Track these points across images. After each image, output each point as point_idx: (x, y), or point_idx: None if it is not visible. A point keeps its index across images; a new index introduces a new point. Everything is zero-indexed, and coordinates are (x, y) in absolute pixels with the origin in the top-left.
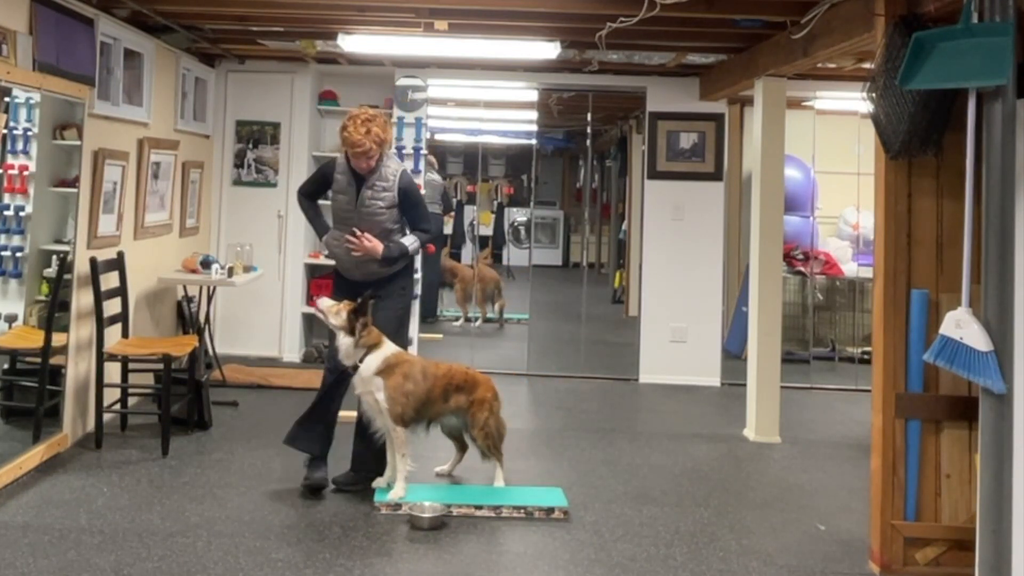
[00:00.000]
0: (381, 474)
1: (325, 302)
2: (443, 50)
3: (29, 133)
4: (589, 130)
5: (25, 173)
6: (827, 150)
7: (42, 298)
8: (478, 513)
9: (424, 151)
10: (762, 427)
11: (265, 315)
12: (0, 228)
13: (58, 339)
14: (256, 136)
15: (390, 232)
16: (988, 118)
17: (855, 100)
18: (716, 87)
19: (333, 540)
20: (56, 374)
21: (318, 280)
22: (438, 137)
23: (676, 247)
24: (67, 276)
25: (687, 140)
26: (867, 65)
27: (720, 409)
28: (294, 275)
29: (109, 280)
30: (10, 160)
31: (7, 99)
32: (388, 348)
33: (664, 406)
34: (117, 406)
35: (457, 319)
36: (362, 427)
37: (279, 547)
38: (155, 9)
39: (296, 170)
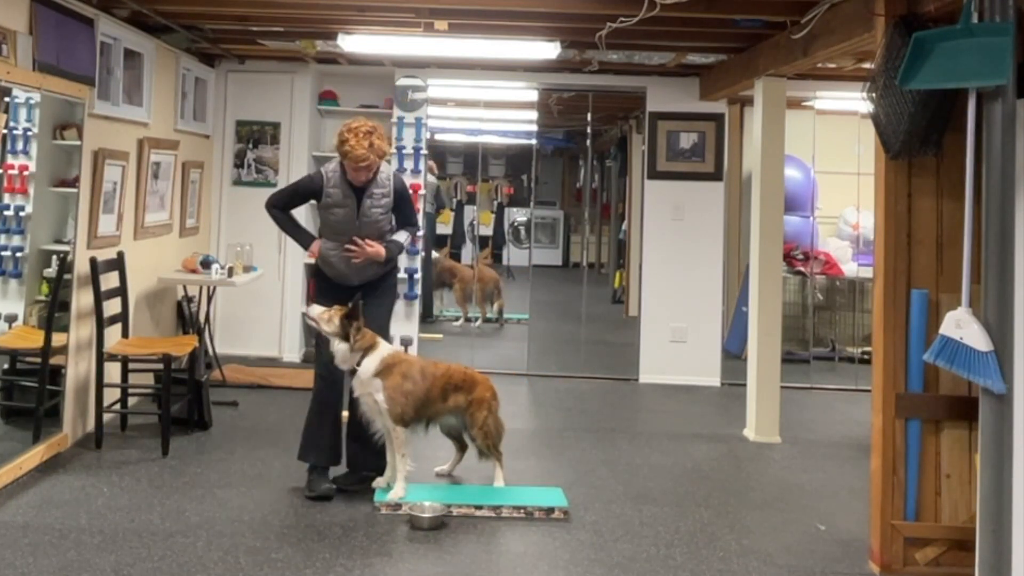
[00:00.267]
0: (380, 472)
1: (315, 309)
2: (443, 50)
3: (29, 133)
4: (589, 130)
5: (25, 173)
6: (827, 150)
7: (42, 298)
8: (478, 513)
9: (424, 151)
10: (762, 427)
11: (265, 315)
12: (0, 228)
13: (58, 339)
14: (256, 136)
15: (386, 233)
16: (988, 118)
17: (855, 100)
18: (716, 87)
19: (333, 540)
20: (56, 374)
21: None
22: (438, 137)
23: (676, 247)
24: (67, 276)
25: (687, 140)
26: (867, 65)
27: (720, 409)
28: (294, 275)
29: (109, 280)
30: (10, 160)
31: (7, 99)
32: (384, 349)
33: (664, 406)
34: (117, 406)
35: (457, 319)
36: (357, 427)
37: (279, 547)
38: (155, 9)
39: (296, 170)
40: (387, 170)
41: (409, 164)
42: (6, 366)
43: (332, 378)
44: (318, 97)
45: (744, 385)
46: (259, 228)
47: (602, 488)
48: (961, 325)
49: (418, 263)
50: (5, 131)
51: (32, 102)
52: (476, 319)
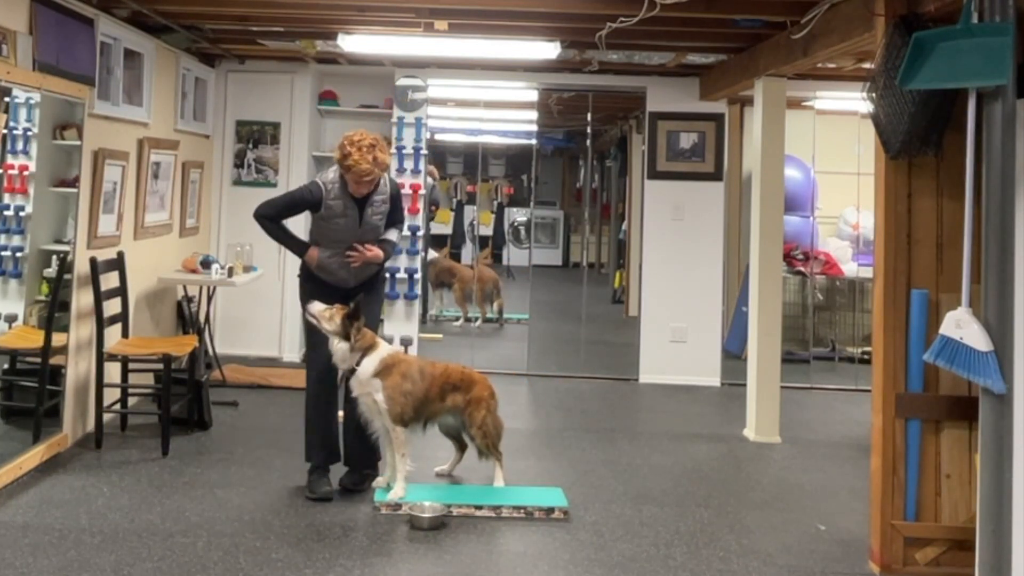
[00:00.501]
0: (377, 469)
1: (317, 307)
2: (443, 50)
3: (29, 133)
4: (589, 130)
5: (25, 173)
6: (827, 150)
7: (42, 298)
8: (478, 513)
9: (424, 151)
10: (762, 427)
11: (265, 315)
12: (0, 228)
13: (58, 339)
14: (256, 136)
15: (380, 234)
16: (988, 118)
17: (855, 100)
18: (716, 87)
19: (333, 540)
20: (56, 374)
21: None
22: (438, 137)
23: (676, 247)
24: (67, 276)
25: (687, 140)
26: (867, 65)
27: (720, 409)
28: (294, 275)
29: (109, 280)
30: (10, 160)
31: (7, 99)
32: (383, 349)
33: (664, 406)
34: (117, 406)
35: (457, 319)
36: (353, 425)
37: (279, 547)
38: (155, 9)
39: (296, 170)
40: (384, 175)
41: (409, 164)
42: (6, 366)
43: (327, 377)
44: (318, 97)
45: (744, 385)
46: (259, 228)
47: (602, 488)
48: (961, 325)
49: (418, 263)
50: (5, 131)
51: (32, 102)
52: (476, 319)
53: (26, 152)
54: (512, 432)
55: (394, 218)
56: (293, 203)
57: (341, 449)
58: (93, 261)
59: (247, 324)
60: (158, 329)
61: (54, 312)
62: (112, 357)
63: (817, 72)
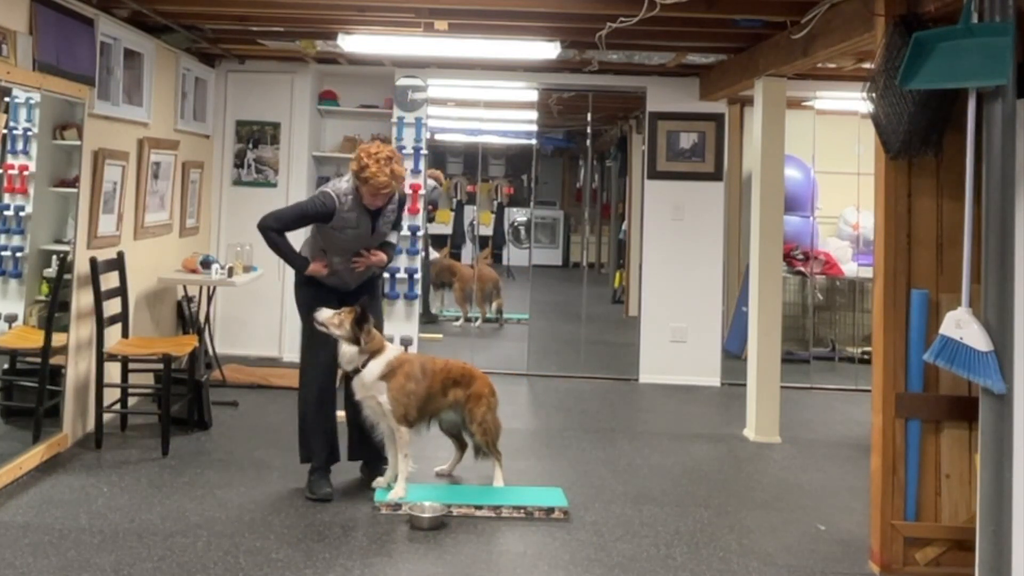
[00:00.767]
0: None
1: (324, 313)
2: (443, 50)
3: (29, 133)
4: (589, 130)
5: (25, 173)
6: (827, 150)
7: (42, 298)
8: (478, 513)
9: (424, 151)
10: (762, 427)
11: (265, 315)
12: (0, 228)
13: (58, 339)
14: (256, 136)
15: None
16: (988, 118)
17: (855, 100)
18: (716, 87)
19: (333, 540)
20: (56, 374)
21: None
22: (438, 137)
23: (676, 247)
24: (67, 276)
25: (687, 140)
26: (867, 65)
27: (720, 409)
28: (294, 275)
29: (109, 280)
30: (10, 160)
31: (7, 99)
32: (390, 351)
33: (664, 406)
34: (117, 406)
35: (457, 319)
36: (358, 425)
37: (279, 547)
38: (155, 9)
39: (296, 170)
40: None
41: (409, 164)
42: (6, 366)
43: (328, 378)
44: (318, 97)
45: (744, 385)
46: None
47: (602, 488)
48: (961, 325)
49: (418, 263)
50: (5, 131)
51: (32, 102)
52: (476, 319)
53: (26, 152)
54: (512, 432)
55: (396, 222)
56: (303, 216)
57: (341, 448)
58: (93, 261)
59: (247, 324)
60: (158, 329)
61: (54, 312)
62: (112, 357)
63: (817, 72)
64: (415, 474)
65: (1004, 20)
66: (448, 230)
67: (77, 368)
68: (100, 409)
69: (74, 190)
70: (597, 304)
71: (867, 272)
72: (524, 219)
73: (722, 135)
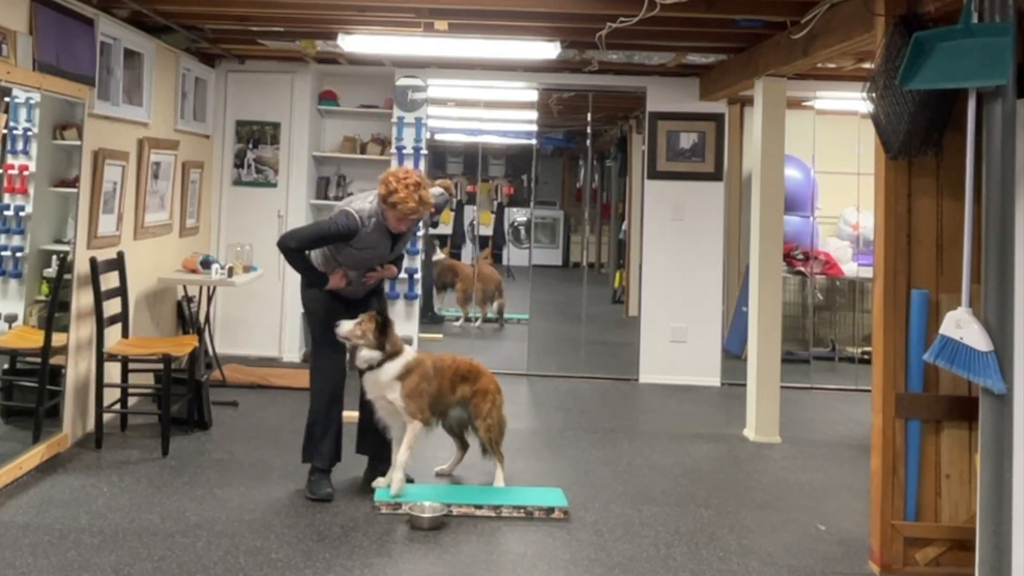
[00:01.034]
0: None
1: (346, 327)
2: (443, 50)
3: (29, 133)
4: (589, 130)
5: (25, 173)
6: (827, 150)
7: (42, 298)
8: (478, 513)
9: (424, 151)
10: (762, 427)
11: (265, 315)
12: (0, 228)
13: (58, 339)
14: (256, 136)
15: None
16: (988, 118)
17: (855, 100)
18: (716, 87)
19: (333, 540)
20: (56, 374)
21: None
22: (438, 137)
23: (676, 247)
24: (67, 276)
25: (687, 140)
26: (867, 65)
27: (720, 409)
28: (294, 275)
29: (109, 280)
30: (10, 160)
31: (7, 99)
32: (408, 353)
33: (664, 406)
34: (117, 406)
35: (457, 319)
36: (370, 426)
37: (279, 547)
38: (155, 9)
39: (296, 170)
40: None
41: (409, 164)
42: (6, 366)
43: (339, 382)
44: (318, 97)
45: (744, 385)
46: (259, 228)
47: (602, 488)
48: (961, 325)
49: (418, 263)
50: (5, 131)
51: (32, 102)
52: (476, 319)
53: (26, 152)
54: (512, 432)
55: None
56: (324, 237)
57: (347, 446)
58: (93, 261)
59: (247, 324)
60: (158, 329)
61: (54, 312)
62: (112, 357)
63: (817, 72)
64: (415, 474)
65: (1004, 20)
66: (448, 230)
67: (77, 368)
68: (100, 409)
69: (74, 190)
70: (597, 304)
71: (867, 272)
72: (524, 219)
73: (722, 135)
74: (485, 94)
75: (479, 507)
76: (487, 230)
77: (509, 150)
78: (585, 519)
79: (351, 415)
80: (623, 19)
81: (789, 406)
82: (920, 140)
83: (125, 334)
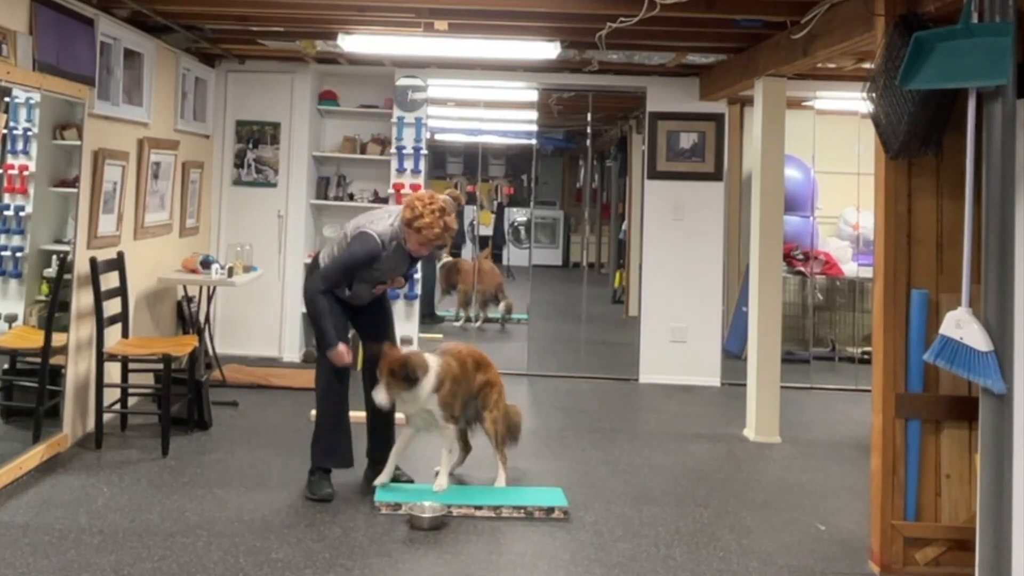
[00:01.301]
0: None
1: (381, 396)
2: (443, 50)
3: (29, 133)
4: (589, 130)
5: (25, 173)
6: (827, 150)
7: (42, 298)
8: (478, 513)
9: (424, 151)
10: (762, 427)
11: (265, 315)
12: (0, 228)
13: (58, 339)
14: (256, 136)
15: None
16: (988, 118)
17: (855, 100)
18: (716, 87)
19: (333, 540)
20: (56, 374)
21: None
22: (438, 137)
23: (676, 247)
24: (67, 276)
25: (687, 140)
26: (867, 65)
27: (720, 409)
28: (294, 275)
29: (109, 280)
30: (10, 160)
31: (7, 99)
32: (433, 363)
33: (664, 406)
34: (117, 406)
35: (457, 319)
36: (375, 423)
37: (279, 547)
38: (155, 9)
39: (296, 170)
40: None
41: (409, 164)
42: (6, 366)
43: (341, 383)
44: (318, 97)
45: (744, 385)
46: (259, 228)
47: (602, 488)
48: (961, 325)
49: (418, 264)
50: (5, 131)
51: (32, 102)
52: (477, 318)
53: (26, 152)
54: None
55: None
56: (350, 269)
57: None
58: (93, 261)
59: (247, 324)
60: (158, 329)
61: (54, 312)
62: (112, 357)
63: (817, 72)
64: (414, 474)
65: (1004, 20)
66: None
67: (77, 368)
68: (100, 409)
69: (74, 190)
70: (597, 304)
71: (867, 272)
72: (524, 219)
73: (722, 135)
74: (485, 94)
75: (479, 507)
76: (487, 230)
77: (509, 150)
78: (585, 519)
79: (358, 416)
80: (623, 19)
81: (789, 406)
82: (920, 140)
83: (125, 334)
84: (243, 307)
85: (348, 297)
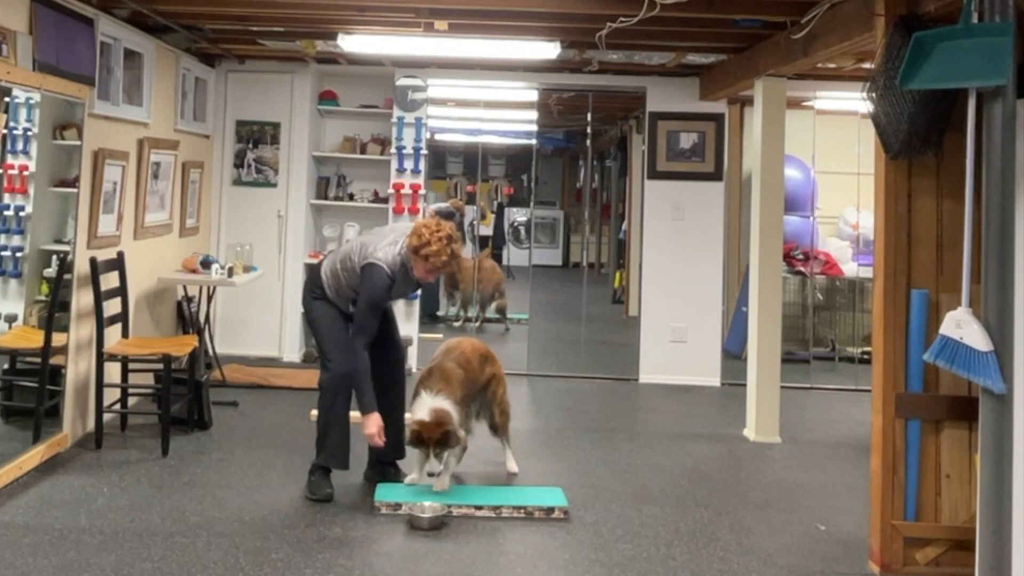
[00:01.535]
0: (398, 457)
1: (433, 466)
2: (443, 50)
3: (29, 133)
4: (589, 130)
5: (25, 173)
6: (827, 150)
7: (42, 298)
8: (478, 513)
9: (424, 151)
10: (762, 427)
11: (265, 315)
12: (0, 228)
13: (58, 339)
14: (256, 136)
15: None
16: (988, 118)
17: (855, 100)
18: (716, 87)
19: (333, 540)
20: (56, 374)
21: None
22: (438, 137)
23: (676, 247)
24: (67, 276)
25: (687, 140)
26: (867, 65)
27: (720, 409)
28: (294, 275)
29: (109, 280)
30: (10, 160)
31: (7, 99)
32: (453, 409)
33: (664, 406)
34: (117, 406)
35: (457, 319)
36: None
37: (279, 547)
38: (155, 9)
39: (296, 170)
40: None
41: (409, 164)
42: (6, 366)
43: (345, 380)
44: (318, 97)
45: (744, 385)
46: (259, 228)
47: (602, 488)
48: (961, 325)
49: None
50: (5, 131)
51: (32, 102)
52: (477, 318)
53: (26, 152)
54: (512, 432)
55: None
56: (376, 308)
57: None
58: (93, 261)
59: (247, 324)
60: (158, 329)
61: (54, 312)
62: (112, 357)
63: (817, 72)
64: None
65: (1004, 20)
66: None
67: (77, 368)
68: (100, 409)
69: (74, 190)
70: (597, 304)
71: (867, 272)
72: (524, 219)
73: (722, 135)
74: (485, 94)
75: (479, 507)
76: (487, 230)
77: (509, 150)
78: (585, 519)
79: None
80: (623, 19)
81: (789, 406)
82: (920, 140)
83: (125, 334)
84: (243, 307)
85: (351, 310)
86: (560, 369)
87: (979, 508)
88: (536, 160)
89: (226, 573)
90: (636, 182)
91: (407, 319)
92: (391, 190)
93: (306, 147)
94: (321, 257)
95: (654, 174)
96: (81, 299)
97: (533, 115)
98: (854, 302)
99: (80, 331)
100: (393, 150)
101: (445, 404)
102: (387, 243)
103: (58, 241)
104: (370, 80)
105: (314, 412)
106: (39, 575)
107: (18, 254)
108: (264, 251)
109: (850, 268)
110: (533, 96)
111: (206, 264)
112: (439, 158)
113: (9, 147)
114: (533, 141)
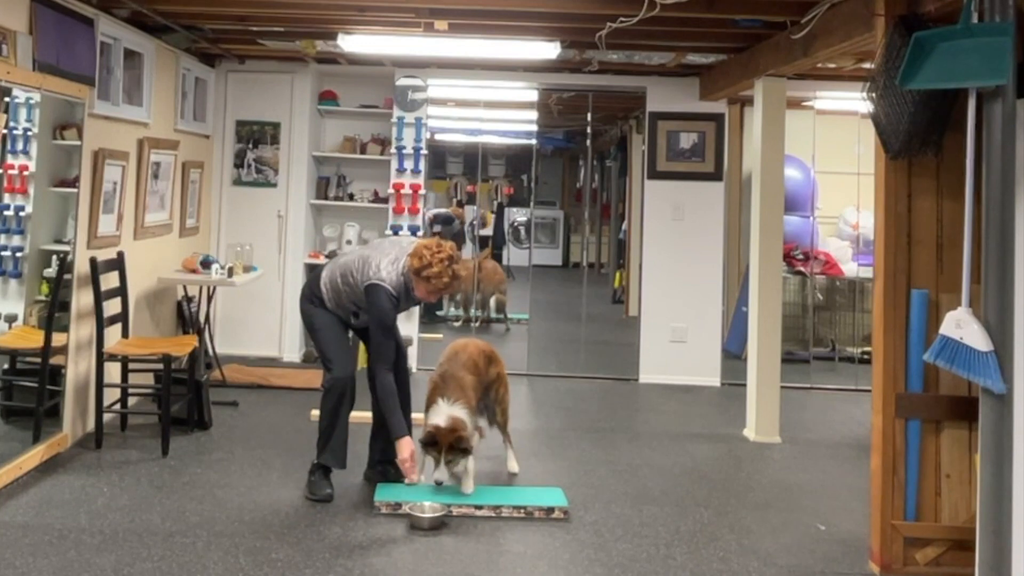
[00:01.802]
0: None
1: (443, 474)
2: (443, 50)
3: (29, 133)
4: (589, 130)
5: (25, 173)
6: (827, 150)
7: (42, 298)
8: (478, 513)
9: (424, 151)
10: (762, 427)
11: (265, 315)
12: (0, 228)
13: (58, 339)
14: (256, 136)
15: None
16: (988, 118)
17: (855, 100)
18: (716, 87)
19: (333, 540)
20: (56, 374)
21: None
22: (438, 137)
23: (676, 247)
24: (67, 276)
25: (687, 140)
26: (867, 65)
27: (720, 409)
28: (294, 275)
29: (109, 280)
30: (10, 160)
31: (7, 99)
32: (466, 417)
33: (664, 406)
34: (117, 406)
35: (457, 319)
36: (380, 423)
37: (279, 547)
38: (155, 9)
39: (296, 170)
40: None
41: (409, 164)
42: (6, 366)
43: (348, 383)
44: (318, 97)
45: (744, 385)
46: (259, 228)
47: (602, 488)
48: (961, 325)
49: None
50: (5, 131)
51: (32, 102)
52: (477, 318)
53: (26, 152)
54: (512, 432)
55: None
56: (391, 331)
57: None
58: (93, 261)
59: (247, 324)
60: (158, 329)
61: (54, 312)
62: (112, 357)
63: (817, 72)
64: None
65: (1004, 20)
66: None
67: (77, 368)
68: (100, 409)
69: (74, 190)
70: (597, 304)
71: (867, 272)
72: (524, 219)
73: (722, 135)
74: (485, 94)
75: (479, 507)
76: (487, 230)
77: (509, 150)
78: (585, 519)
79: (363, 416)
80: (623, 19)
81: (789, 406)
82: (920, 140)
83: (125, 334)
84: (243, 307)
85: (356, 324)
86: (560, 369)
87: (979, 508)
88: (536, 160)
89: (226, 573)
90: (636, 182)
91: (407, 319)
92: (391, 190)
93: (306, 147)
94: (321, 259)
95: (654, 174)
96: (81, 299)
97: (533, 115)
98: (854, 302)
99: (80, 331)
100: (393, 150)
101: (462, 413)
102: (388, 261)
103: (58, 241)
104: (370, 80)
105: (315, 412)
106: (39, 575)
107: (18, 254)
108: (264, 251)
109: (850, 268)
110: (533, 96)
111: (206, 264)
112: (439, 158)
113: (9, 147)
114: (533, 141)
